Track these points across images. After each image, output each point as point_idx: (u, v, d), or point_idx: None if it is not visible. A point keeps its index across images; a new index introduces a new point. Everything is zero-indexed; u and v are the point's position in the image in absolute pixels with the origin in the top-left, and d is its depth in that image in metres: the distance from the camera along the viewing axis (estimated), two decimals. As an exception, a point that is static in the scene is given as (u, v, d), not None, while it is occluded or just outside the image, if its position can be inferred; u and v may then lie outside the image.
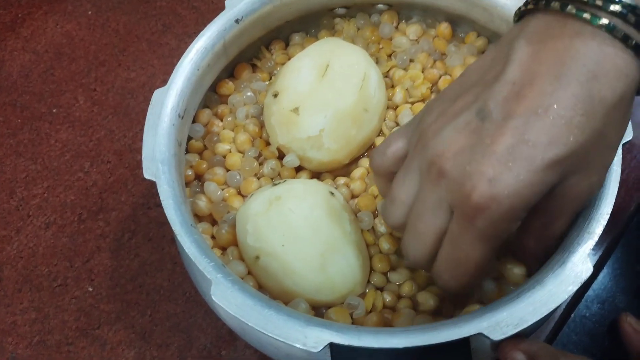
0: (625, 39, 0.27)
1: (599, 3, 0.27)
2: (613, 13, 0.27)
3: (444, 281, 0.32)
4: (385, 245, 0.40)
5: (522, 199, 0.28)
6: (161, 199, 0.36)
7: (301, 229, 0.38)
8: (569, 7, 0.28)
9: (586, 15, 0.27)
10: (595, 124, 0.27)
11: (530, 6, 0.30)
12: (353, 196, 0.43)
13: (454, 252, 0.31)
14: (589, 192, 0.31)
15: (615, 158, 0.34)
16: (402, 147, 0.33)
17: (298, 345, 0.31)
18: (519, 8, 0.31)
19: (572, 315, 0.44)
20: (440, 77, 0.46)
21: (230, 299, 0.33)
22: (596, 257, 0.47)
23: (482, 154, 0.28)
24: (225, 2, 0.43)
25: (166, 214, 0.36)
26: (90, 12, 0.63)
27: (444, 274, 0.32)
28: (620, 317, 0.42)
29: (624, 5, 0.27)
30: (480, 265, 0.31)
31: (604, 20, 0.27)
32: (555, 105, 0.27)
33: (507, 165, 0.27)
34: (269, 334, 0.32)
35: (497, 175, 0.27)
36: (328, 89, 0.42)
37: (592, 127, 0.27)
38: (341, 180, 0.43)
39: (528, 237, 0.33)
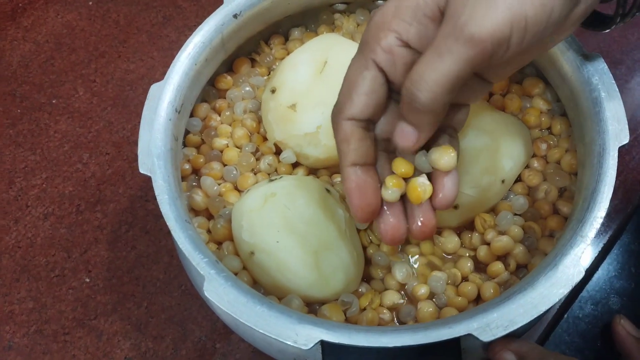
0: None
1: None
2: None
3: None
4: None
5: None
6: (156, 194, 0.36)
7: (296, 225, 0.38)
8: None
9: None
10: None
11: None
12: (349, 193, 0.43)
13: None
14: None
15: (610, 162, 0.34)
16: None
17: (289, 342, 0.31)
18: None
19: (566, 315, 0.44)
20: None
21: (222, 296, 0.33)
22: (592, 258, 0.47)
23: None
24: (224, -4, 0.43)
25: (161, 209, 0.36)
26: (91, 3, 0.63)
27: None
28: (614, 320, 0.42)
29: None
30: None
31: None
32: None
33: None
34: (261, 331, 0.32)
35: None
36: (325, 85, 0.42)
37: None
38: (338, 177, 0.43)
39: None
